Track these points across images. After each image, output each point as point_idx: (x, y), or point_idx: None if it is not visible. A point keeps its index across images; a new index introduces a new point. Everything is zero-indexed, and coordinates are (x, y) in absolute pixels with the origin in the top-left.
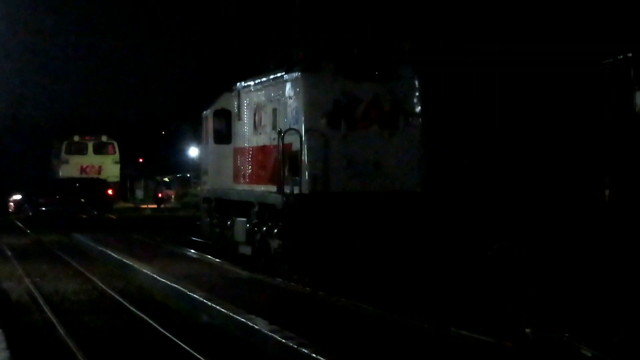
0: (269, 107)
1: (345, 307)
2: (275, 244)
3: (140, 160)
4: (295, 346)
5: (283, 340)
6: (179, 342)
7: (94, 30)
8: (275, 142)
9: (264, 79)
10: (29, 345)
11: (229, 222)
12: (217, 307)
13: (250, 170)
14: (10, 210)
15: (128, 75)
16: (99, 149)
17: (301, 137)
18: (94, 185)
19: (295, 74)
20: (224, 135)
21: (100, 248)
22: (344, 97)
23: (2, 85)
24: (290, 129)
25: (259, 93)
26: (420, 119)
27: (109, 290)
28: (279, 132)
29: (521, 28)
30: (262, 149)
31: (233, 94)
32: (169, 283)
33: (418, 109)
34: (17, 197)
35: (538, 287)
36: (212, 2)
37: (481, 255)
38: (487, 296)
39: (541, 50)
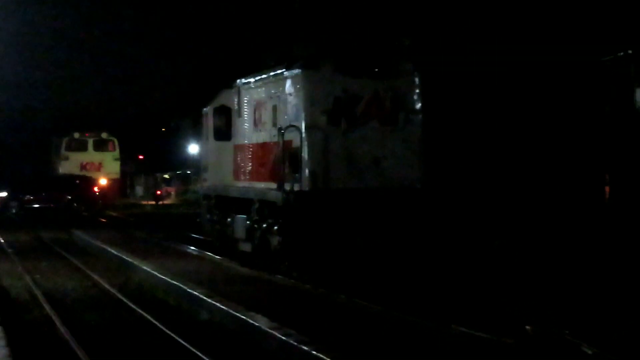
0: (269, 104)
1: (346, 304)
2: (275, 240)
3: (141, 157)
4: (296, 343)
5: (283, 338)
6: (179, 339)
7: (93, 27)
8: (276, 139)
9: (264, 76)
10: (29, 343)
11: (229, 219)
12: (217, 304)
13: (250, 167)
14: None
15: (128, 72)
16: (99, 146)
17: (301, 134)
18: (80, 182)
19: (296, 71)
20: (224, 132)
21: (100, 245)
22: (344, 94)
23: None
24: (291, 125)
25: (259, 90)
26: (420, 116)
27: (108, 287)
28: (279, 129)
29: (521, 25)
30: (262, 146)
31: (233, 90)
32: (168, 280)
33: (418, 105)
34: (3, 194)
35: (538, 284)
36: None
37: (481, 252)
38: (488, 293)
39: (542, 48)
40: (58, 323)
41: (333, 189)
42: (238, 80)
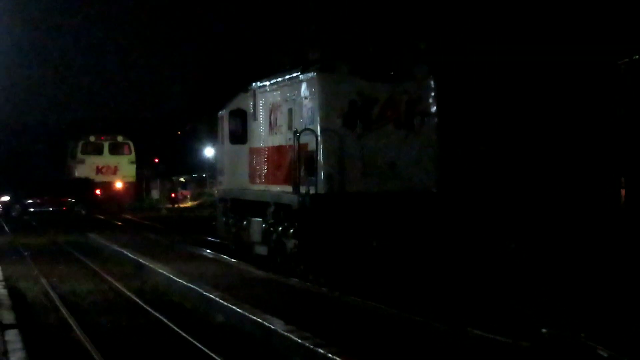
0: (285, 107)
1: (362, 307)
2: (291, 244)
3: (156, 160)
4: (312, 346)
5: (299, 341)
6: (195, 342)
7: (110, 31)
8: (291, 142)
9: (279, 79)
10: (45, 345)
11: (244, 222)
12: (234, 307)
13: (266, 170)
14: None
15: (144, 76)
16: (115, 149)
17: (317, 137)
18: (82, 185)
19: (311, 74)
20: (239, 135)
21: (115, 248)
22: (360, 97)
23: (14, 87)
24: (306, 129)
25: (274, 93)
26: (435, 119)
27: (125, 291)
28: (295, 132)
29: (536, 28)
30: (278, 149)
31: (248, 94)
32: (184, 283)
33: (433, 108)
34: (6, 198)
35: (554, 287)
36: (229, 2)
37: (497, 255)
38: (503, 296)
39: (557, 50)
40: (74, 326)
41: (348, 192)
42: (253, 84)
